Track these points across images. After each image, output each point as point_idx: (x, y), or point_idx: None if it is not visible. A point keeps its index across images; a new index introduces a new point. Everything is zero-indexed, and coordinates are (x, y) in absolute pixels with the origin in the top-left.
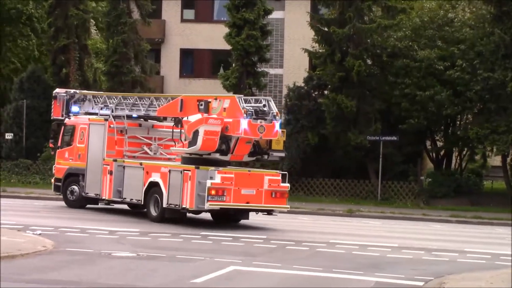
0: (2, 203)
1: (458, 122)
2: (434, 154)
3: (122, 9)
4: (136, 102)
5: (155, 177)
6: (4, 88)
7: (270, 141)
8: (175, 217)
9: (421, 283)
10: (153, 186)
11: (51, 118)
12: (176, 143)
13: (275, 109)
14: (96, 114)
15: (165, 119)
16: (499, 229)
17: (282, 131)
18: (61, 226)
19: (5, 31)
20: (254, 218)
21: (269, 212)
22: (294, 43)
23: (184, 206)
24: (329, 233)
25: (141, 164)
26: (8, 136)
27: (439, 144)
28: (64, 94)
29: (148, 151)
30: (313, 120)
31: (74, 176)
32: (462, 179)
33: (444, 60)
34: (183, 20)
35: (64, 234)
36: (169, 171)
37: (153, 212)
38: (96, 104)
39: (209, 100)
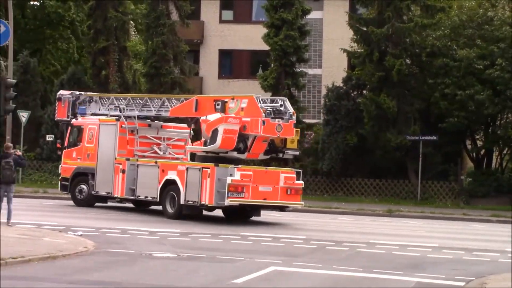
0: (44, 204)
1: (498, 121)
2: (474, 154)
3: (161, 10)
4: (147, 103)
5: (172, 175)
6: (45, 90)
7: (285, 139)
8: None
9: (462, 283)
10: (170, 184)
11: (55, 119)
12: (188, 143)
13: (291, 109)
14: (104, 115)
15: (177, 119)
16: None
17: (296, 130)
18: (102, 227)
19: (45, 33)
20: (287, 218)
21: (283, 208)
22: (332, 43)
23: (203, 202)
24: (369, 233)
25: (156, 162)
26: (49, 137)
27: (479, 143)
28: (70, 96)
29: (157, 150)
30: (352, 120)
31: (83, 176)
32: (502, 178)
33: (483, 59)
34: (221, 21)
35: (105, 235)
36: (187, 168)
37: (170, 209)
38: (103, 105)
39: (226, 100)
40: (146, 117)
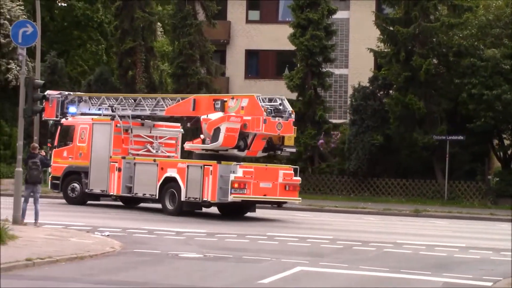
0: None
1: None
2: (501, 153)
3: (188, 11)
4: (141, 102)
5: (172, 173)
6: (72, 90)
7: (283, 137)
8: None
9: (489, 284)
10: (169, 181)
11: (42, 119)
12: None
13: (289, 108)
14: (96, 114)
15: (168, 118)
16: None
17: (294, 129)
18: (128, 227)
19: (73, 35)
20: (313, 217)
21: (280, 204)
22: (359, 43)
23: (205, 199)
24: (396, 233)
25: (154, 160)
26: None
27: (507, 142)
28: (59, 96)
29: (151, 149)
30: (378, 120)
31: (75, 174)
32: None
33: (511, 59)
34: (248, 21)
35: (131, 235)
36: (187, 166)
37: (169, 205)
38: (93, 105)
39: (225, 99)
40: (137, 116)
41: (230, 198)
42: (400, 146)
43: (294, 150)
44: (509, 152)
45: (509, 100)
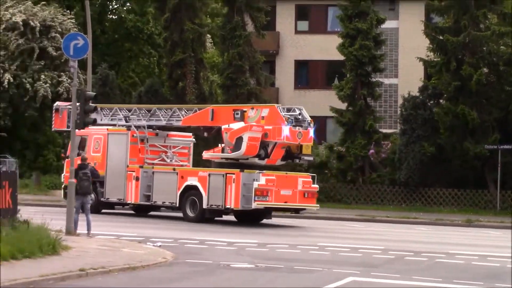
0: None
1: None
2: None
3: (237, 22)
4: (156, 113)
5: (192, 181)
6: (123, 102)
7: (301, 146)
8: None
9: None
10: (190, 189)
11: (52, 129)
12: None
13: (308, 117)
14: (111, 125)
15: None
16: None
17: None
18: (180, 238)
19: (124, 47)
20: (365, 228)
21: (299, 211)
22: (408, 52)
23: (228, 206)
24: (448, 243)
25: (174, 169)
26: None
27: None
28: (69, 107)
29: (165, 158)
30: (429, 130)
31: None
32: None
33: None
34: (297, 32)
35: (183, 246)
36: (209, 175)
37: (190, 213)
38: (105, 116)
39: (245, 109)
40: (149, 127)
41: (254, 205)
42: (452, 156)
43: (311, 158)
44: None
45: None
